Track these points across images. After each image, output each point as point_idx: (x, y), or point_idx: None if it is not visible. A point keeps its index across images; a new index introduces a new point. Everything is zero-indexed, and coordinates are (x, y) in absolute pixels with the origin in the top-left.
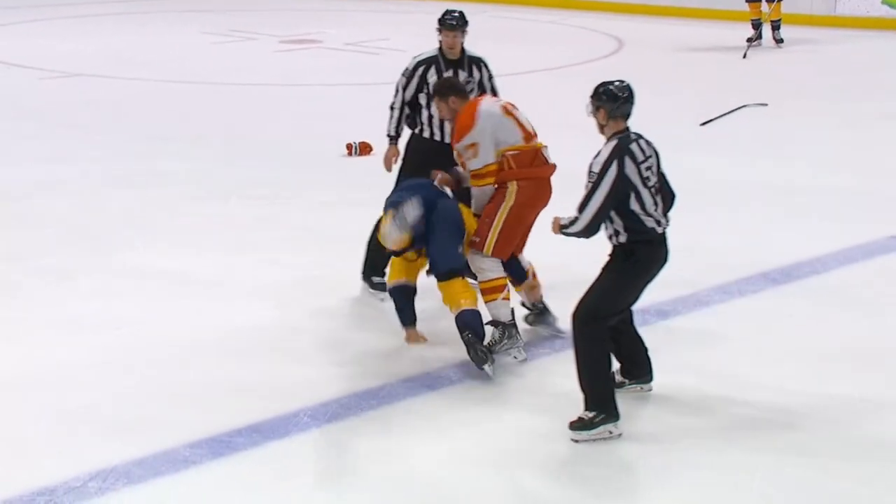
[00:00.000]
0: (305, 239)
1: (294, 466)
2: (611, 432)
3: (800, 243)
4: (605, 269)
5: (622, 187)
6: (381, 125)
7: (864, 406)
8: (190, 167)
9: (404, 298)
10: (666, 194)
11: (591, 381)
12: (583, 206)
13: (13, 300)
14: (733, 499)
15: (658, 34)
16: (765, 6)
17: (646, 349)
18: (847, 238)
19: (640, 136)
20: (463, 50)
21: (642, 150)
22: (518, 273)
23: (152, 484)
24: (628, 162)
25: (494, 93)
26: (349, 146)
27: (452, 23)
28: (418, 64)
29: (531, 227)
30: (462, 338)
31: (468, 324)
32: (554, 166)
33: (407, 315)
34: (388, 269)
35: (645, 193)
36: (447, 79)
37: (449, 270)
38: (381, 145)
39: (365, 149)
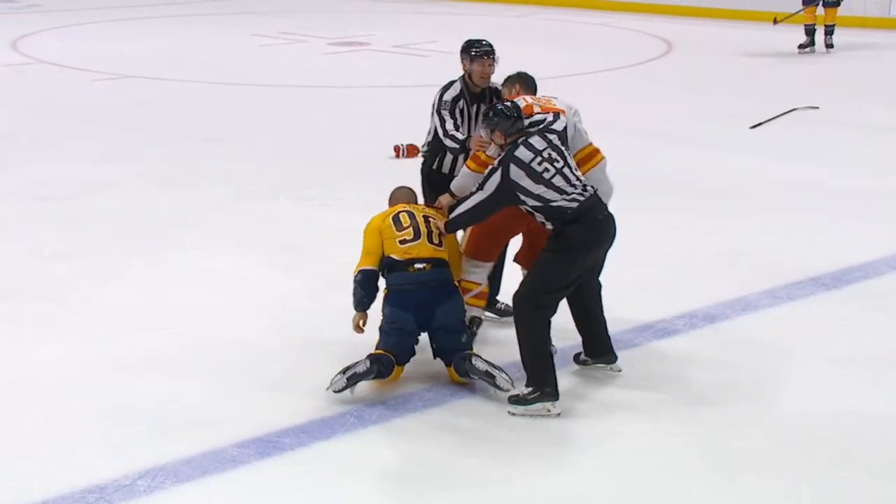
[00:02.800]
0: (354, 240)
1: (340, 467)
2: (549, 410)
3: (851, 247)
4: (542, 251)
5: (507, 193)
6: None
7: None
8: (239, 168)
9: (372, 286)
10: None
11: (529, 360)
12: (464, 203)
13: (64, 298)
14: None
15: (707, 36)
16: (820, 9)
17: (605, 329)
18: None
19: (532, 134)
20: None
21: (531, 148)
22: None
23: (200, 482)
24: (513, 168)
25: None
26: (397, 148)
27: (488, 48)
28: (454, 99)
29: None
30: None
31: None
32: None
33: (367, 303)
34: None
35: (540, 189)
36: (524, 74)
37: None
38: None
39: (412, 151)
